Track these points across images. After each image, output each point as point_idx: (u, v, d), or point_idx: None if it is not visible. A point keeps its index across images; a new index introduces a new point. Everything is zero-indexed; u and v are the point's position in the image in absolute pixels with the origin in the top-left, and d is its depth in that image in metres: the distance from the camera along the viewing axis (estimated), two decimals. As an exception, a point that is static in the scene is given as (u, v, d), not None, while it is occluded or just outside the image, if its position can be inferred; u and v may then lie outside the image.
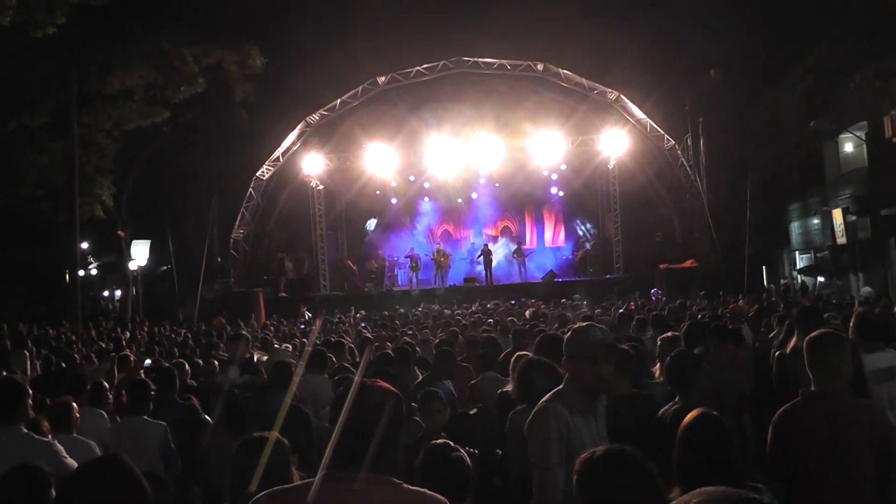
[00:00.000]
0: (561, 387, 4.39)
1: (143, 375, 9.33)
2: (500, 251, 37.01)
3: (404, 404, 3.08)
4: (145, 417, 7.19)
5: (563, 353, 4.42)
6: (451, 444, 4.41)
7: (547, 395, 4.39)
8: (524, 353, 6.88)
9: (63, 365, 12.43)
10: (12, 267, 34.01)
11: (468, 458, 4.29)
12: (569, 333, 4.51)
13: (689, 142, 33.93)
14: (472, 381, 8.57)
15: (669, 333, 7.89)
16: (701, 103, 32.92)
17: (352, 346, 12.26)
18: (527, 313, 19.39)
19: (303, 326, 22.81)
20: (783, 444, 4.63)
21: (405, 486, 2.95)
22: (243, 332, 12.05)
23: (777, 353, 7.63)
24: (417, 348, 11.22)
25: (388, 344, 12.83)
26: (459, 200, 38.16)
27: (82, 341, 19.17)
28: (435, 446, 4.39)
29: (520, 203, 38.70)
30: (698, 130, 33.36)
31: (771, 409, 4.88)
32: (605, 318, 15.47)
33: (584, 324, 4.60)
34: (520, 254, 35.23)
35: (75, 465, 5.01)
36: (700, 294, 23.26)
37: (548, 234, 39.45)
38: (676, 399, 5.63)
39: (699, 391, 5.55)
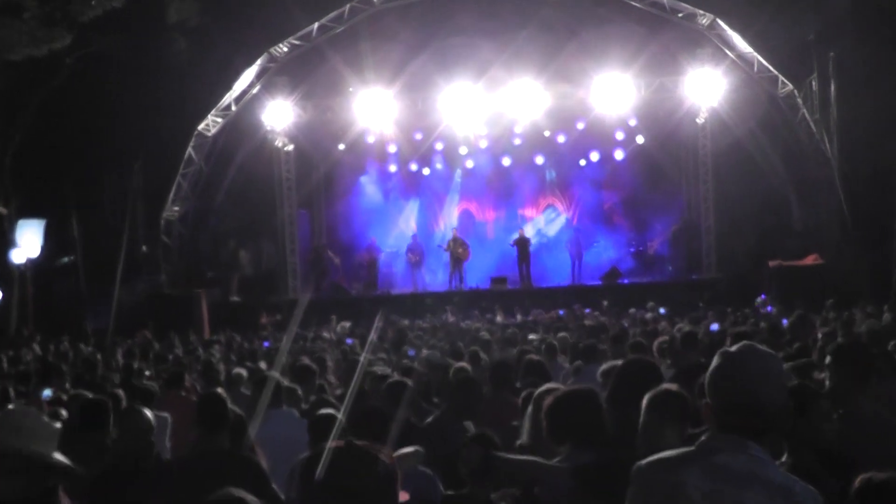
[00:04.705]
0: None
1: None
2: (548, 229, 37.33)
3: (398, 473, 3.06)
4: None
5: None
6: None
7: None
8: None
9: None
10: None
11: None
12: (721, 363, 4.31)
13: (815, 86, 33.51)
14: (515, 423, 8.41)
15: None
16: (832, 32, 32.52)
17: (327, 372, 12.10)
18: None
19: (266, 344, 22.72)
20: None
21: None
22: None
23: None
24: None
25: (380, 370, 12.62)
26: (481, 167, 38.07)
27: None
28: None
29: (571, 172, 38.50)
30: (828, 70, 32.89)
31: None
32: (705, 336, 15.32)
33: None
34: (576, 244, 35.23)
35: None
36: (829, 303, 22.99)
37: (609, 217, 39.24)
38: (784, 457, 5.58)
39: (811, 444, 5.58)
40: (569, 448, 5.96)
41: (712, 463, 4.00)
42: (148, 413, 7.68)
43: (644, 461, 4.19)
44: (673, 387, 6.03)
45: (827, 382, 7.05)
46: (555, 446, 6.10)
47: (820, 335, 14.06)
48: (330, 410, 7.78)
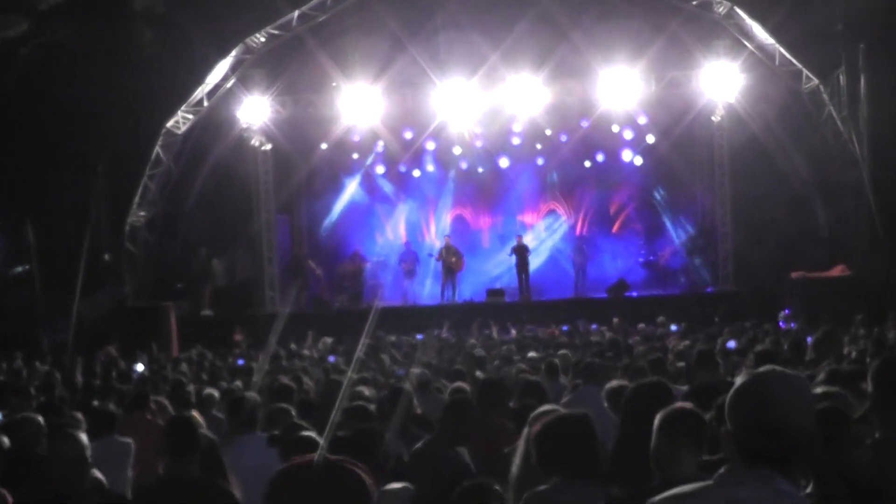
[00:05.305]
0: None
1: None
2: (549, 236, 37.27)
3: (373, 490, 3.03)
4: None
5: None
6: None
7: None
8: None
9: None
10: None
11: None
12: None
13: (842, 81, 33.37)
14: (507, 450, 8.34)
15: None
16: (862, 21, 32.43)
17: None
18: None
19: (240, 362, 22.63)
20: None
21: None
22: None
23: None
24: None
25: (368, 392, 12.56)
26: (480, 170, 37.99)
27: None
28: None
29: (575, 175, 38.42)
30: (857, 63, 32.69)
31: None
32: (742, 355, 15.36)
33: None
34: (581, 254, 35.08)
35: None
36: (858, 319, 22.89)
37: (617, 223, 39.16)
38: (810, 488, 5.55)
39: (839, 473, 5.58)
40: (558, 480, 5.92)
41: (735, 497, 3.90)
42: (82, 437, 6.99)
43: (657, 498, 4.10)
44: (687, 405, 5.96)
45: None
46: (545, 477, 6.06)
47: (854, 353, 13.99)
48: (309, 433, 7.64)
